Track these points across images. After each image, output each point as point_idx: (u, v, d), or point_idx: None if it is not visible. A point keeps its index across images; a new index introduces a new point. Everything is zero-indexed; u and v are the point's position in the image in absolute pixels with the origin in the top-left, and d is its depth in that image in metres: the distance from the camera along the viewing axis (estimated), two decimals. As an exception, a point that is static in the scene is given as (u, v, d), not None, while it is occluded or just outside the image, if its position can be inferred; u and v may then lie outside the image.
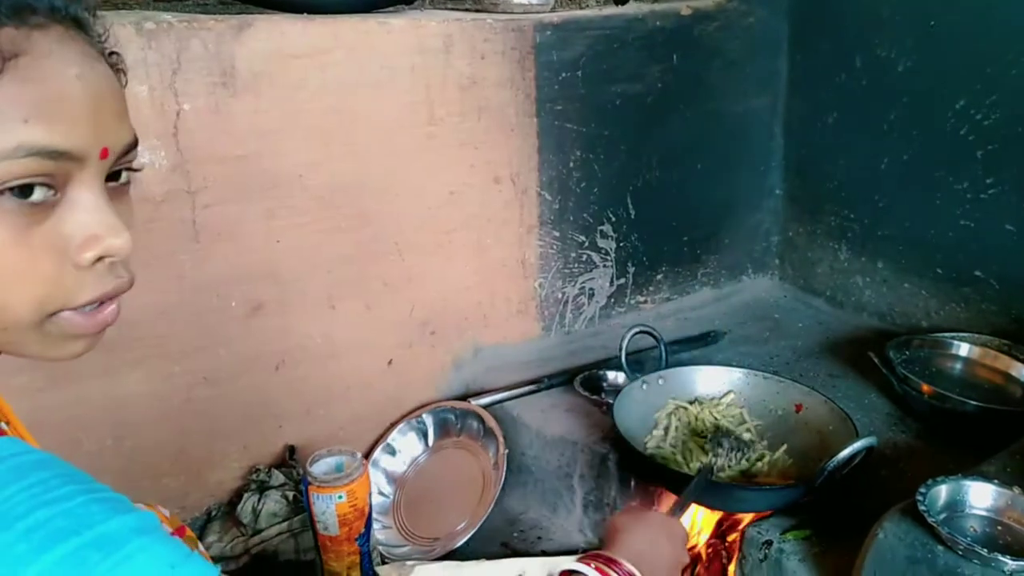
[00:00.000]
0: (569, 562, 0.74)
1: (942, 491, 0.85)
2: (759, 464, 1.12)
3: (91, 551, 0.41)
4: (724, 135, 1.62)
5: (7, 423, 0.59)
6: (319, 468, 1.09)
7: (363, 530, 1.09)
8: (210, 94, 1.09)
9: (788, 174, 1.69)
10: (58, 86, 0.46)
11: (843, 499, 1.06)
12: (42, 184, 0.46)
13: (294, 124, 1.16)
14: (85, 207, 0.48)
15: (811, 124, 1.61)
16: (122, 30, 1.02)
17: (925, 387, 1.16)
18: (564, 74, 1.38)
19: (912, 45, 1.40)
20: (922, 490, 0.84)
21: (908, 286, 1.49)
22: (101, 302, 0.51)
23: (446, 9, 1.42)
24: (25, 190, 0.45)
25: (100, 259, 0.49)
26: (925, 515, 0.80)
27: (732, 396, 1.21)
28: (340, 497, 1.05)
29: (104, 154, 0.48)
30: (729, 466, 1.10)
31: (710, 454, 1.09)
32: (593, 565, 0.73)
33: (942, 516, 0.82)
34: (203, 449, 1.22)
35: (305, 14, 1.17)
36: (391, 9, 1.28)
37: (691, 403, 1.20)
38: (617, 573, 0.73)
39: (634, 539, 0.79)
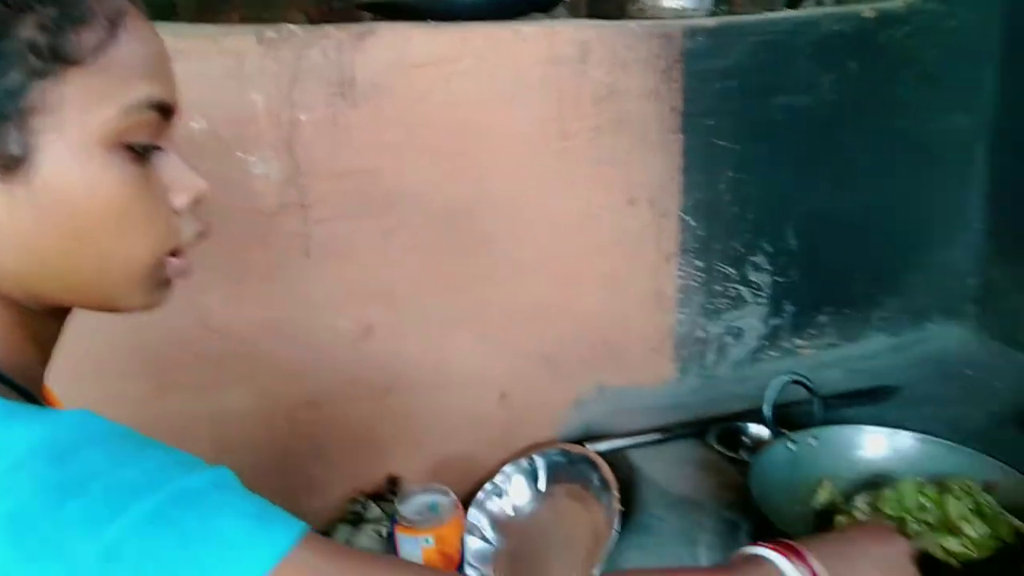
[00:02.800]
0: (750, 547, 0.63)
1: None
2: (943, 551, 0.90)
3: (172, 506, 0.41)
4: (912, 157, 1.38)
5: None
6: (409, 507, 1.01)
7: (453, 582, 0.99)
8: (328, 105, 1.05)
9: (993, 205, 1.41)
10: (156, 45, 0.51)
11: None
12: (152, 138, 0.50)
13: (416, 138, 1.10)
14: (172, 158, 0.52)
15: (1025, 145, 1.34)
16: (243, 39, 1.00)
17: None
18: (717, 85, 1.22)
19: None
20: None
21: None
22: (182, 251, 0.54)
23: (585, 17, 1.31)
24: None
25: (193, 203, 0.53)
26: None
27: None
28: (427, 541, 0.97)
29: (176, 112, 0.52)
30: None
31: None
32: (773, 547, 0.62)
33: None
34: (303, 473, 1.17)
35: (431, 21, 1.10)
36: (525, 17, 1.19)
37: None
38: (799, 563, 0.60)
39: (834, 541, 0.68)
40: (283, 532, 0.43)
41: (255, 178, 1.04)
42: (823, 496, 0.98)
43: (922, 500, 0.93)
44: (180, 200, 0.52)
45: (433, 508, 1.01)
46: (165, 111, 0.50)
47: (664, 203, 1.24)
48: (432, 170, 1.11)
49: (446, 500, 1.00)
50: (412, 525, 0.97)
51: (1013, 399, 1.28)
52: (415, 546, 0.97)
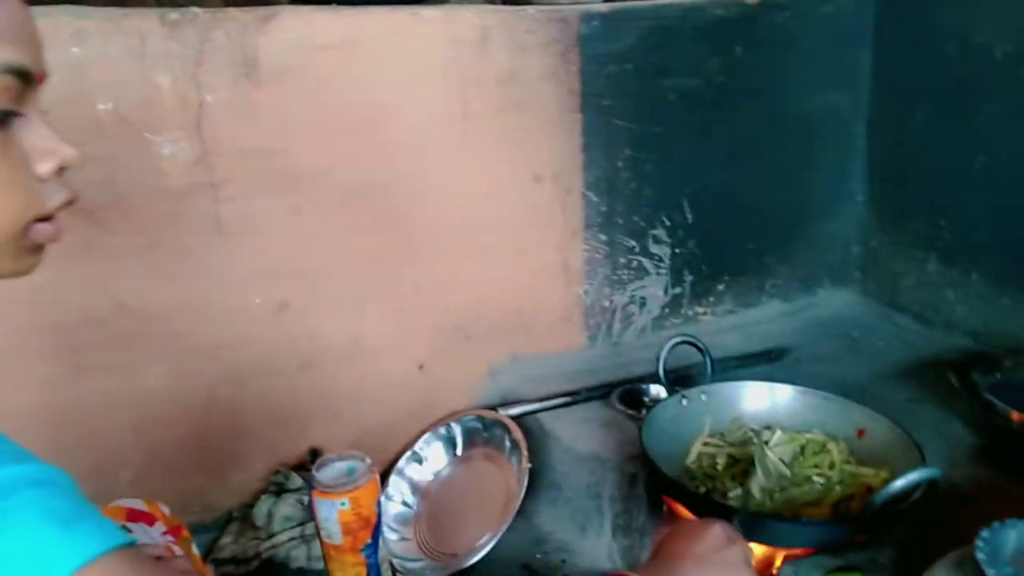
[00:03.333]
0: None
1: (1011, 536, 0.71)
2: (808, 493, 0.99)
3: None
4: (797, 135, 1.48)
5: None
6: (326, 473, 1.05)
7: (369, 540, 1.03)
8: (234, 86, 1.08)
9: (871, 177, 1.53)
10: (16, 12, 0.50)
11: (904, 540, 0.92)
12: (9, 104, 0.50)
13: (321, 118, 1.14)
14: (36, 125, 0.52)
15: (897, 122, 1.45)
16: (145, 21, 1.02)
17: (1015, 415, 1.00)
18: (612, 67, 1.29)
19: (1015, 28, 1.24)
20: (984, 534, 0.70)
21: (1007, 301, 1.31)
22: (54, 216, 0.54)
23: (485, 3, 1.37)
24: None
25: (57, 170, 0.53)
26: (984, 564, 0.67)
27: (780, 434, 1.08)
28: (343, 504, 1.00)
29: (41, 80, 0.52)
30: (772, 498, 0.97)
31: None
32: None
33: (1008, 569, 0.68)
34: (225, 448, 1.20)
35: (333, 5, 1.14)
36: (429, 2, 1.24)
37: (741, 444, 1.07)
38: None
39: (676, 562, 0.67)
40: (87, 543, 0.40)
41: (163, 159, 1.06)
42: (691, 456, 1.06)
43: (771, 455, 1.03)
44: (43, 167, 0.52)
45: (350, 472, 1.05)
46: (25, 77, 0.50)
47: (567, 180, 1.31)
48: (338, 149, 1.15)
49: (362, 465, 1.04)
50: (328, 489, 1.00)
51: (893, 355, 1.39)
52: (331, 509, 1.01)
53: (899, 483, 0.82)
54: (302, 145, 1.13)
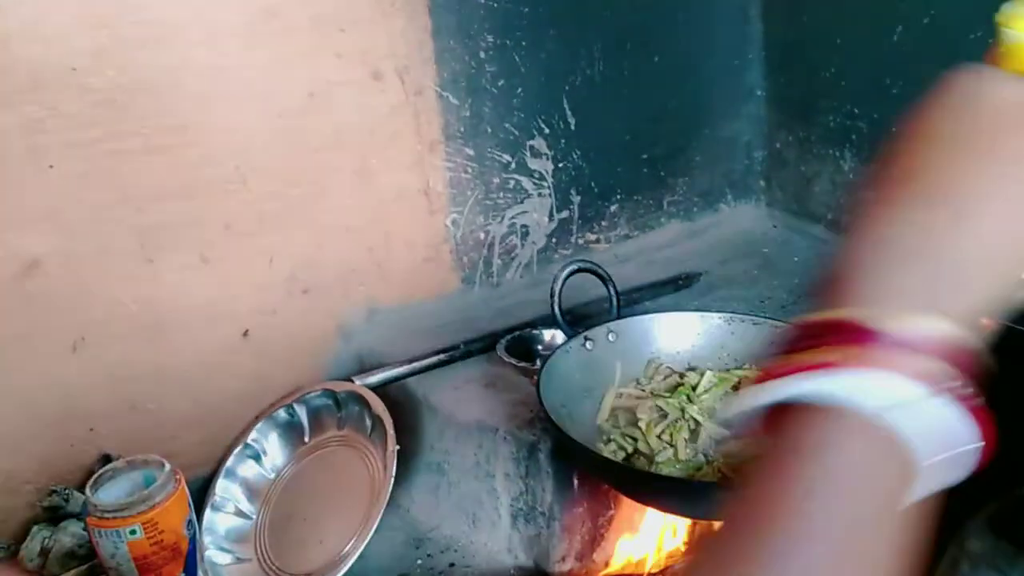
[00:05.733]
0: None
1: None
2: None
3: None
4: (685, 18, 1.25)
5: None
6: (109, 491, 0.76)
7: (182, 574, 0.75)
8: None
9: (770, 68, 1.33)
10: None
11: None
12: None
13: (56, -9, 0.80)
14: None
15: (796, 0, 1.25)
16: None
17: (983, 320, 0.82)
18: (462, -75, 1.01)
19: None
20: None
21: (935, 196, 1.14)
22: None
23: None
24: None
25: None
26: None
27: (709, 376, 0.87)
28: (133, 532, 0.72)
29: None
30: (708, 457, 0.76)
31: None
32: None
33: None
34: (-29, 469, 0.86)
35: None
36: None
37: (670, 393, 0.86)
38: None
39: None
40: None
41: None
42: (604, 413, 0.84)
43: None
44: None
45: (147, 483, 0.76)
46: None
47: (417, 77, 1.03)
48: (86, 36, 0.82)
49: (160, 473, 0.75)
50: (108, 514, 0.71)
51: (811, 270, 1.22)
52: (117, 541, 0.71)
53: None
54: (32, 31, 0.79)
